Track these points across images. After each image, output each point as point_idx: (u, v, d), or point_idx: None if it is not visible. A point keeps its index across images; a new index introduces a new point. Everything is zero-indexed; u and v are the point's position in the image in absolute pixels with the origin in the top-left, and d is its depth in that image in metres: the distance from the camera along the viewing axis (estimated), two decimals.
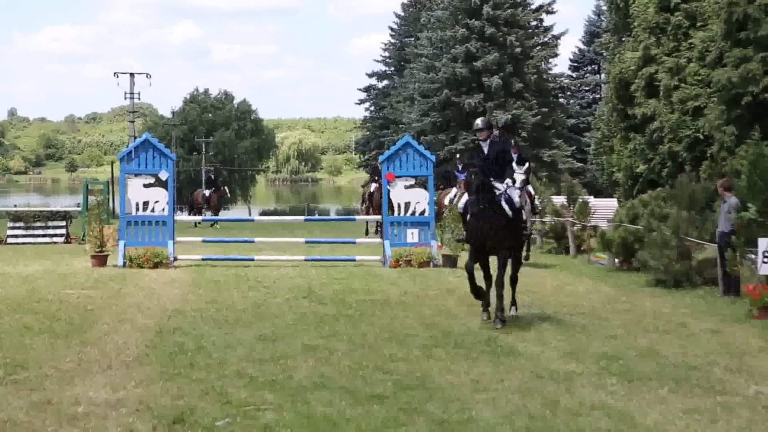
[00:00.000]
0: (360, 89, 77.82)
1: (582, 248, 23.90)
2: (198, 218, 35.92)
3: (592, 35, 66.42)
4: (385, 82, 75.63)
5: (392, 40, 75.61)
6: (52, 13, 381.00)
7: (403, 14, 74.88)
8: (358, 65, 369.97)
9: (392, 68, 75.02)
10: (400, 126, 61.78)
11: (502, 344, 11.25)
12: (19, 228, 28.61)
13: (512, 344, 11.24)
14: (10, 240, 28.09)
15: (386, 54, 75.78)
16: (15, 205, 35.89)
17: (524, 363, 10.18)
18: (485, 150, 13.41)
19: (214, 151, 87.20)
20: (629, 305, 14.95)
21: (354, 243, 23.48)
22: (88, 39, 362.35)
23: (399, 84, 68.60)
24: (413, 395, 8.68)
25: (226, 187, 43.54)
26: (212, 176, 45.02)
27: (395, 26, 75.53)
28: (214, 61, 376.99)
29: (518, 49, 53.52)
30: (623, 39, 38.54)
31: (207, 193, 41.75)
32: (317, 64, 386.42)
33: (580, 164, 54.88)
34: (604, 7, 48.89)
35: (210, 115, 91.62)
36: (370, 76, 76.72)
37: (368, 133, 78.07)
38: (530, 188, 20.23)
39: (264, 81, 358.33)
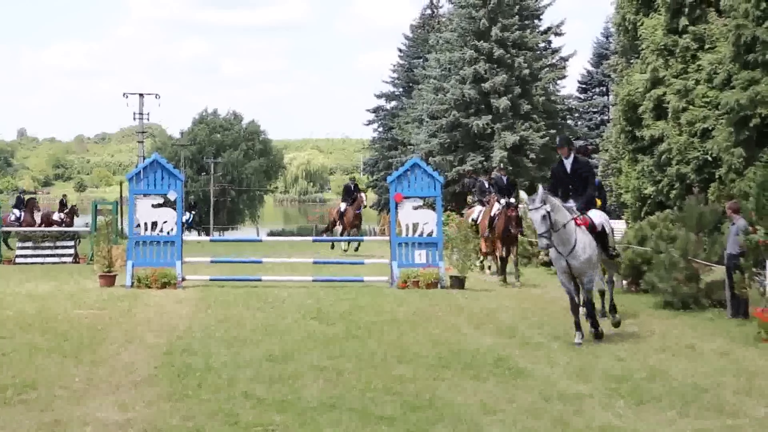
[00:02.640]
0: (368, 110, 77.98)
1: None
2: (338, 238, 32.40)
3: (600, 57, 66.47)
4: (394, 103, 75.72)
5: (401, 61, 75.76)
6: (61, 30, 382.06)
7: (411, 35, 75.07)
8: (366, 81, 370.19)
9: (400, 89, 75.13)
10: (408, 147, 61.89)
11: (510, 364, 11.24)
12: (28, 248, 28.70)
13: (521, 364, 11.23)
14: (19, 260, 28.16)
15: (395, 75, 75.93)
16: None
17: (533, 383, 10.17)
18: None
19: (223, 172, 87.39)
20: (637, 327, 14.93)
21: (362, 264, 23.48)
22: (97, 55, 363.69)
23: (407, 105, 68.69)
24: (422, 416, 8.68)
25: (363, 194, 34.25)
26: (351, 186, 34.37)
27: (404, 47, 75.70)
28: (222, 76, 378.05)
29: (526, 71, 53.61)
30: (631, 61, 38.55)
31: (343, 207, 33.37)
32: (326, 80, 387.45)
33: None
34: (613, 29, 48.99)
35: (219, 135, 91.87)
36: (379, 96, 76.87)
37: (376, 153, 78.13)
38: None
39: (273, 97, 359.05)
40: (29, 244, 28.76)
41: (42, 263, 27.59)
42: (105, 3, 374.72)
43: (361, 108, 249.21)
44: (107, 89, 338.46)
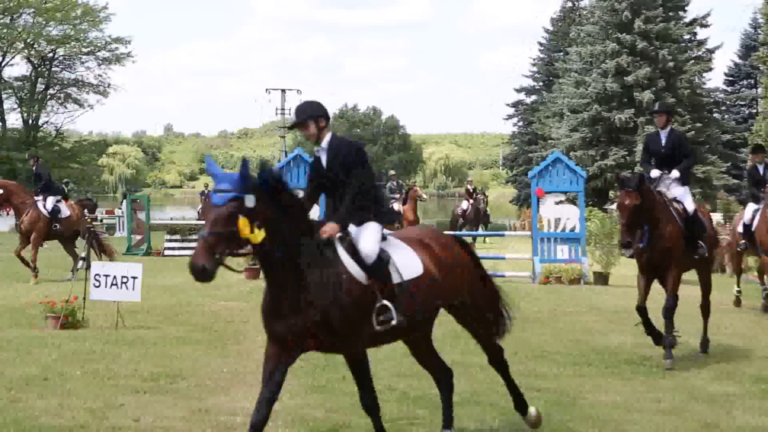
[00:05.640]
0: (508, 104, 77.62)
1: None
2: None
3: (748, 49, 64.46)
4: (534, 97, 75.13)
5: (541, 55, 75.11)
6: (187, 31, 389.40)
7: (552, 29, 74.33)
8: (488, 80, 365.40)
9: (540, 83, 74.49)
10: (549, 141, 61.24)
11: (655, 364, 11.02)
12: (175, 240, 29.53)
13: (665, 364, 10.98)
14: (167, 252, 29.00)
15: (534, 69, 75.32)
16: (171, 218, 36.97)
17: (679, 383, 9.95)
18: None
19: None
20: None
21: (503, 259, 23.36)
22: (224, 55, 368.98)
23: (547, 99, 68.03)
24: (567, 414, 8.58)
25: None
26: None
27: (544, 41, 75.03)
28: (345, 75, 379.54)
29: (671, 64, 52.45)
30: None
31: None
32: (447, 79, 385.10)
33: (735, 181, 53.10)
34: (762, 20, 47.52)
35: (358, 130, 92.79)
36: (518, 91, 76.40)
37: (516, 148, 77.66)
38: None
39: (395, 95, 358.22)
40: (177, 236, 29.59)
41: (190, 255, 28.24)
42: (229, 3, 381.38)
43: (489, 106, 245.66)
44: (237, 89, 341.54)
